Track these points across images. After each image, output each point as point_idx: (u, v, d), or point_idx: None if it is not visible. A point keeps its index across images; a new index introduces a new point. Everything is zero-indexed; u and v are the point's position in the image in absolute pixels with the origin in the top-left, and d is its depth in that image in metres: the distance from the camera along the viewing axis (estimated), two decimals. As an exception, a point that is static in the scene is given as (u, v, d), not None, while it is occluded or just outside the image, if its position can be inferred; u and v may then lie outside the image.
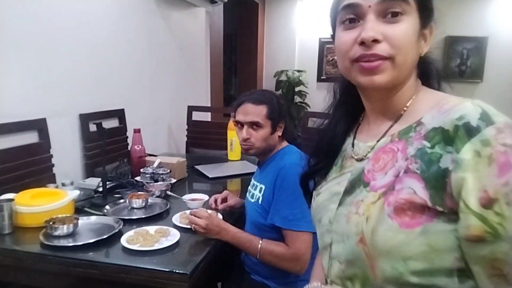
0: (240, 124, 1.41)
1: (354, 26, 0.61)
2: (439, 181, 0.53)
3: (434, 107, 0.60)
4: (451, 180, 0.52)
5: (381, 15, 0.59)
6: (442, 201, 0.53)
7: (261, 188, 1.38)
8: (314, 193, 0.78)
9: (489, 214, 0.50)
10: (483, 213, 0.50)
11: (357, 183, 0.65)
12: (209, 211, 1.36)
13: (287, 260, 1.24)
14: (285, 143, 1.45)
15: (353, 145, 0.72)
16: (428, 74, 0.68)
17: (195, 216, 1.26)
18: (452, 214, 0.53)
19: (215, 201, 1.52)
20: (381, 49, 0.58)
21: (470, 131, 0.52)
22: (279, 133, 1.41)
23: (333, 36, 0.67)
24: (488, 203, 0.50)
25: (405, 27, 0.59)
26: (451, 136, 0.54)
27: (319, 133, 0.80)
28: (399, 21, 0.59)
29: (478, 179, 0.50)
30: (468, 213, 0.51)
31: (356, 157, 0.69)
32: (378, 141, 0.66)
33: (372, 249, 0.58)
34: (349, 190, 0.66)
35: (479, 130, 0.52)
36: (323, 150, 0.77)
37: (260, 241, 1.28)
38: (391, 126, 0.65)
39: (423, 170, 0.55)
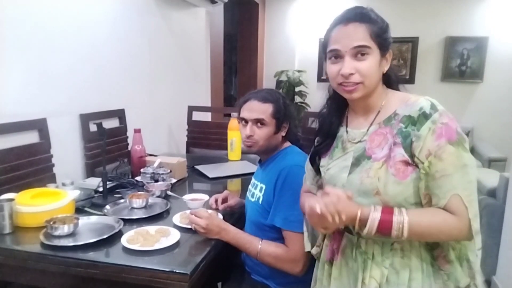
0: (244, 121, 1.40)
1: (337, 62, 0.94)
2: (410, 148, 0.89)
3: (401, 103, 0.95)
4: (413, 146, 0.88)
5: (353, 56, 0.92)
6: (412, 159, 0.89)
7: (261, 188, 1.37)
8: (322, 169, 1.07)
9: (426, 162, 0.86)
10: (424, 161, 0.87)
11: (361, 157, 0.96)
12: (210, 211, 1.36)
13: (287, 261, 1.24)
14: (287, 143, 1.44)
15: (347, 132, 1.03)
16: (389, 81, 1.01)
17: (195, 216, 1.26)
18: (417, 167, 0.89)
19: (216, 201, 1.52)
20: (354, 78, 0.92)
21: (426, 116, 0.88)
22: (283, 133, 1.41)
23: (324, 58, 1.00)
24: (427, 156, 0.86)
25: (369, 62, 0.92)
26: (415, 121, 0.89)
27: (320, 118, 1.11)
28: (365, 59, 0.91)
29: (426, 144, 0.87)
30: (419, 162, 0.88)
31: (354, 141, 1.00)
32: (368, 128, 0.98)
33: (385, 196, 0.90)
34: (356, 163, 0.97)
35: (431, 115, 0.88)
36: (324, 132, 1.08)
37: (260, 242, 1.27)
38: (375, 118, 0.98)
39: (402, 142, 0.90)
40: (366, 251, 0.96)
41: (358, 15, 0.92)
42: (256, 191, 1.40)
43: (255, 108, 1.37)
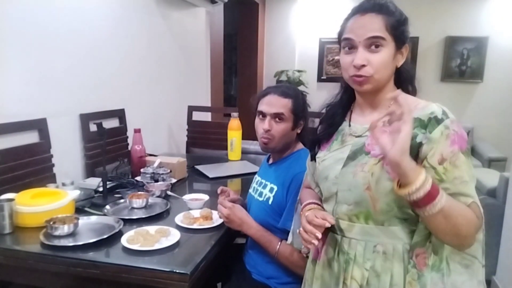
0: (262, 115, 1.38)
1: (351, 52, 0.92)
2: (414, 149, 0.85)
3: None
4: (422, 149, 0.85)
5: (367, 47, 0.90)
6: (415, 161, 0.82)
7: (272, 188, 1.37)
8: (318, 160, 1.06)
9: (440, 168, 0.84)
10: (437, 167, 0.84)
11: (359, 152, 0.95)
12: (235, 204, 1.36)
13: (302, 267, 1.22)
14: (300, 145, 1.42)
15: (349, 125, 1.01)
16: (401, 79, 0.98)
17: (221, 205, 1.31)
18: None
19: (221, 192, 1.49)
20: (365, 71, 0.90)
21: (438, 120, 0.85)
22: (298, 130, 1.40)
23: (339, 49, 0.97)
24: (441, 161, 0.84)
25: (383, 55, 0.90)
26: (425, 124, 0.86)
27: (328, 107, 1.09)
28: (379, 51, 0.90)
29: (439, 148, 0.84)
30: (429, 167, 0.84)
31: (355, 135, 0.99)
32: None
33: (376, 193, 0.89)
34: (352, 156, 0.96)
35: (443, 120, 0.85)
36: (328, 120, 1.07)
37: (279, 243, 1.28)
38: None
39: None
40: (348, 252, 0.95)
41: (376, 6, 0.91)
42: (265, 191, 1.39)
43: (274, 103, 1.35)
